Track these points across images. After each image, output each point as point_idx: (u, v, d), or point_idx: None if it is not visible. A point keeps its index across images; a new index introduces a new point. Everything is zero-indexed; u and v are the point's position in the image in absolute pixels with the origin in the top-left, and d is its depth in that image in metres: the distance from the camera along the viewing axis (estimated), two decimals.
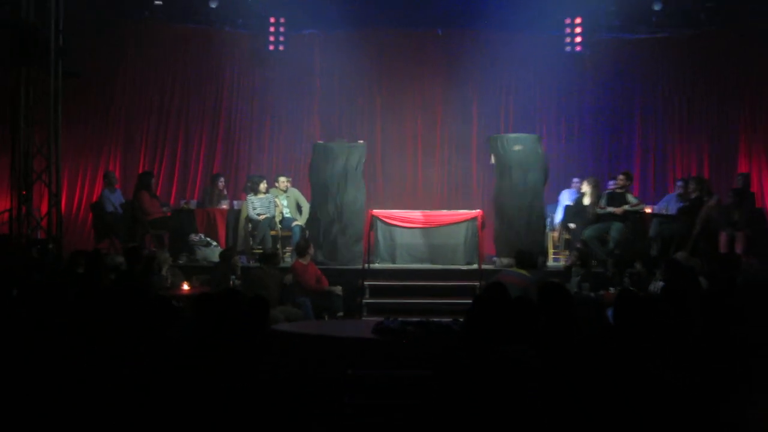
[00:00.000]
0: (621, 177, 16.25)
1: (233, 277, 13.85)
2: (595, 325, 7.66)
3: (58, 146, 16.05)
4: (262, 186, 16.83)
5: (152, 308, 6.86)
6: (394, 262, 16.15)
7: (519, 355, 4.99)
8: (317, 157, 16.28)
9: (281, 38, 20.02)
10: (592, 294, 12.99)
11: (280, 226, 16.73)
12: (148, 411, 5.05)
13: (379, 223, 16.27)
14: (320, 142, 17.51)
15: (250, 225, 16.60)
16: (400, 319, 10.26)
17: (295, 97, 20.58)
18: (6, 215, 15.68)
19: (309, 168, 16.60)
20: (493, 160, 16.35)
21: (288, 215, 16.98)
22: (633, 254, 15.04)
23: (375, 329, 9.96)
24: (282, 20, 19.93)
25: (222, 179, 18.34)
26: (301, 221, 16.70)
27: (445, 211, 16.66)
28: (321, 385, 8.86)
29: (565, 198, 17.91)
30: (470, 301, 7.17)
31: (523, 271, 12.45)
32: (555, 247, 17.30)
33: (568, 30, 19.92)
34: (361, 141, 16.70)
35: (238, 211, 16.96)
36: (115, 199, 17.22)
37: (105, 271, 12.00)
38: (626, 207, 15.82)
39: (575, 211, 16.48)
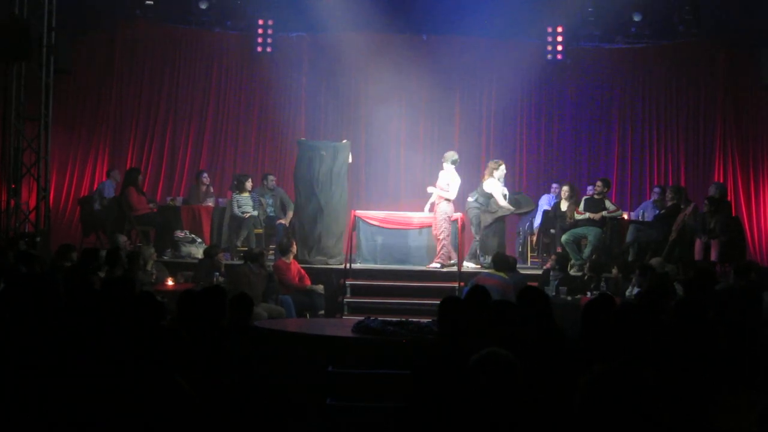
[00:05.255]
0: (599, 183, 16.44)
1: (217, 273, 13.99)
2: (573, 329, 7.83)
3: (48, 141, 16.24)
4: (248, 184, 16.95)
5: (138, 303, 6.99)
6: (375, 263, 16.24)
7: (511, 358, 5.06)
8: (302, 155, 16.46)
9: (269, 40, 20.02)
10: (569, 298, 13.19)
11: (264, 224, 16.91)
12: (128, 406, 5.11)
13: (361, 224, 16.36)
14: (303, 138, 17.72)
15: (234, 223, 16.77)
16: (380, 318, 10.47)
17: (282, 98, 20.67)
18: None
19: (295, 166, 16.79)
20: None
21: (272, 214, 17.13)
22: (610, 259, 15.28)
23: (355, 328, 10.15)
24: (270, 22, 19.92)
25: (206, 175, 18.43)
26: (285, 220, 16.89)
27: (427, 213, 16.77)
28: (301, 382, 9.03)
29: (544, 203, 18.02)
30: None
31: (501, 274, 12.67)
32: (533, 251, 17.51)
33: (549, 38, 20.08)
34: (345, 140, 16.86)
35: (223, 209, 17.03)
36: (108, 193, 17.44)
37: (97, 267, 12.14)
38: (604, 213, 16.03)
39: (553, 216, 16.69)
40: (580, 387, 4.56)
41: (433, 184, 16.03)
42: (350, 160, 16.52)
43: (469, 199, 16.39)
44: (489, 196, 16.21)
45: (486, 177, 16.41)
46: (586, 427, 4.51)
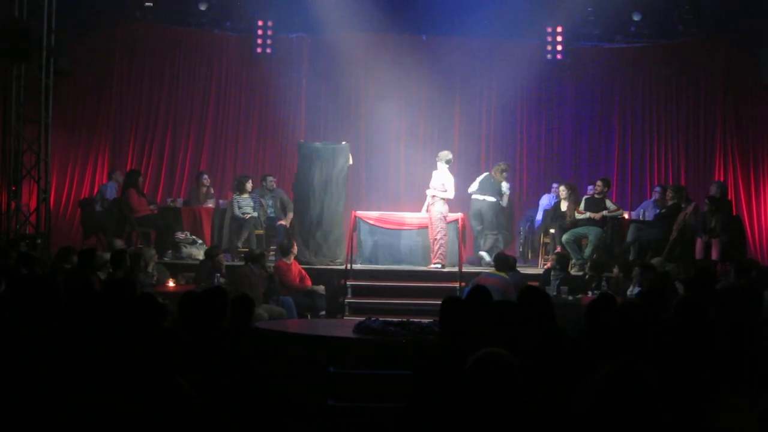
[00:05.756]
0: (599, 183, 16.46)
1: (218, 275, 13.99)
2: (574, 328, 7.84)
3: (48, 143, 16.24)
4: (248, 185, 16.97)
5: (138, 304, 6.98)
6: (376, 263, 16.27)
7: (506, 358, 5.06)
8: (303, 157, 16.47)
9: (269, 41, 20.01)
10: (570, 297, 13.20)
11: (264, 225, 16.91)
12: (128, 406, 5.13)
13: (362, 224, 16.36)
14: (302, 141, 17.74)
15: (235, 224, 16.76)
16: (381, 319, 10.47)
17: (282, 99, 20.63)
18: None
19: (296, 168, 16.81)
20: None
21: (272, 215, 17.14)
22: (611, 259, 15.29)
23: (356, 329, 10.15)
24: (270, 23, 19.92)
25: (206, 176, 18.37)
26: (285, 221, 16.89)
27: (427, 214, 16.73)
28: (303, 383, 9.04)
29: (545, 202, 18.03)
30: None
31: (502, 274, 12.69)
32: (533, 250, 17.51)
33: (549, 38, 20.08)
34: (345, 142, 16.86)
35: (224, 210, 17.02)
36: (110, 195, 17.44)
37: (95, 268, 12.13)
38: (605, 212, 16.05)
39: (554, 215, 16.70)
40: (590, 387, 4.56)
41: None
42: (350, 162, 16.53)
43: (487, 198, 16.74)
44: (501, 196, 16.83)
45: (499, 177, 16.91)
46: (597, 427, 4.52)
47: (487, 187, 16.71)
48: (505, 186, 16.93)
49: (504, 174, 16.94)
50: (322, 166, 16.18)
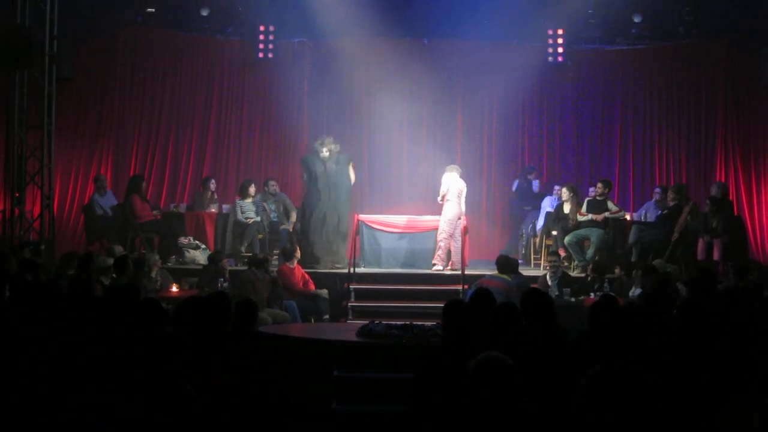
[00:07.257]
0: (600, 185, 16.52)
1: (221, 279, 14.01)
2: (576, 330, 7.87)
3: (51, 149, 16.27)
4: (251, 190, 17.01)
5: (142, 310, 7.01)
6: (379, 266, 16.28)
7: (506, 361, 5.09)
8: (307, 166, 16.52)
9: (270, 46, 20.01)
10: (573, 299, 13.23)
11: (268, 230, 16.92)
12: (135, 413, 5.16)
13: (364, 228, 16.41)
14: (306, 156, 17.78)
15: (238, 228, 16.78)
16: (384, 322, 10.49)
17: (284, 103, 20.56)
18: None
19: (301, 162, 16.94)
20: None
21: (276, 219, 17.16)
22: (613, 260, 15.31)
23: (360, 332, 10.17)
24: (271, 28, 19.90)
25: (213, 181, 18.45)
26: (289, 225, 16.91)
27: (430, 217, 16.77)
28: (307, 387, 9.07)
29: (547, 205, 18.03)
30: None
31: (505, 276, 12.72)
32: (536, 253, 17.53)
33: (550, 41, 20.02)
34: (347, 156, 16.96)
35: (227, 215, 17.07)
36: (106, 202, 17.37)
37: (95, 273, 12.16)
38: (606, 214, 16.09)
39: (556, 217, 16.71)
40: (578, 387, 4.59)
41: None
42: (353, 180, 16.60)
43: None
44: None
45: None
46: (585, 426, 4.55)
47: None
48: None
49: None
50: (327, 169, 16.22)
